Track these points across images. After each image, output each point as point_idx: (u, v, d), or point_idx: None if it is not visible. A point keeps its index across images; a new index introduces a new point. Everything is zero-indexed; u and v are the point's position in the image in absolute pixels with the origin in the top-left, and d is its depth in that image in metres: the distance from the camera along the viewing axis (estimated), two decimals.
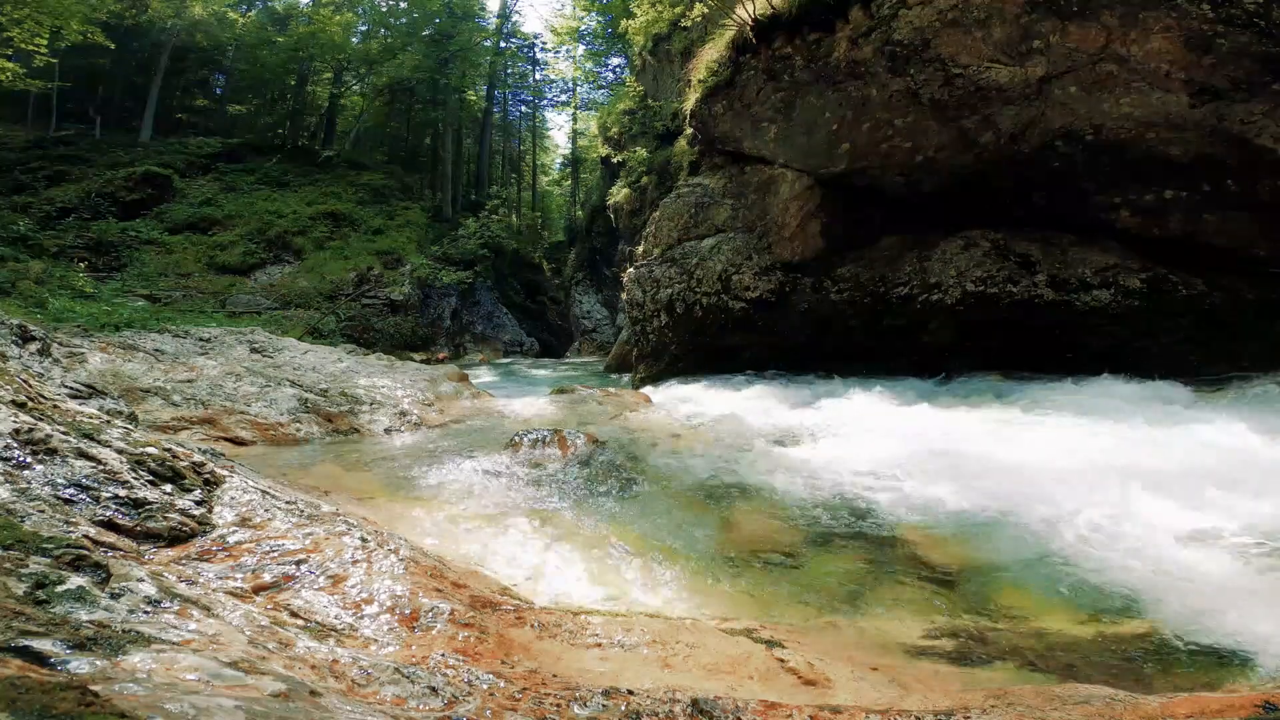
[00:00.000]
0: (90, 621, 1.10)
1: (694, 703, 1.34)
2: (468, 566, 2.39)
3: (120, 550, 1.55)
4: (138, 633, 1.12)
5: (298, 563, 1.78)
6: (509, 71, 35.68)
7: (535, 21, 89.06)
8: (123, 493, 1.75)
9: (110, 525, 1.64)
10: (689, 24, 12.24)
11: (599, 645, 1.77)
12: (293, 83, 28.03)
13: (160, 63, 23.94)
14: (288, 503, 2.18)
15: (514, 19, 34.44)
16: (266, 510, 2.05)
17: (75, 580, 1.20)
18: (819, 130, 8.27)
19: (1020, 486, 3.49)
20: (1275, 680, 1.87)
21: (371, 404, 6.01)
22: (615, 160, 18.80)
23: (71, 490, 1.66)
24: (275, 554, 1.80)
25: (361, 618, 1.63)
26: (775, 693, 1.59)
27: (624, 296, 11.61)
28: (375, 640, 1.55)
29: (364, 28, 27.95)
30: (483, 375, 13.73)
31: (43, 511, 1.49)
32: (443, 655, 1.48)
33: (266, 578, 1.68)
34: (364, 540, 1.99)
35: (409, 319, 18.44)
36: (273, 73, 27.38)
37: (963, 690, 1.77)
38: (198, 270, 17.23)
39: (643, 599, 2.45)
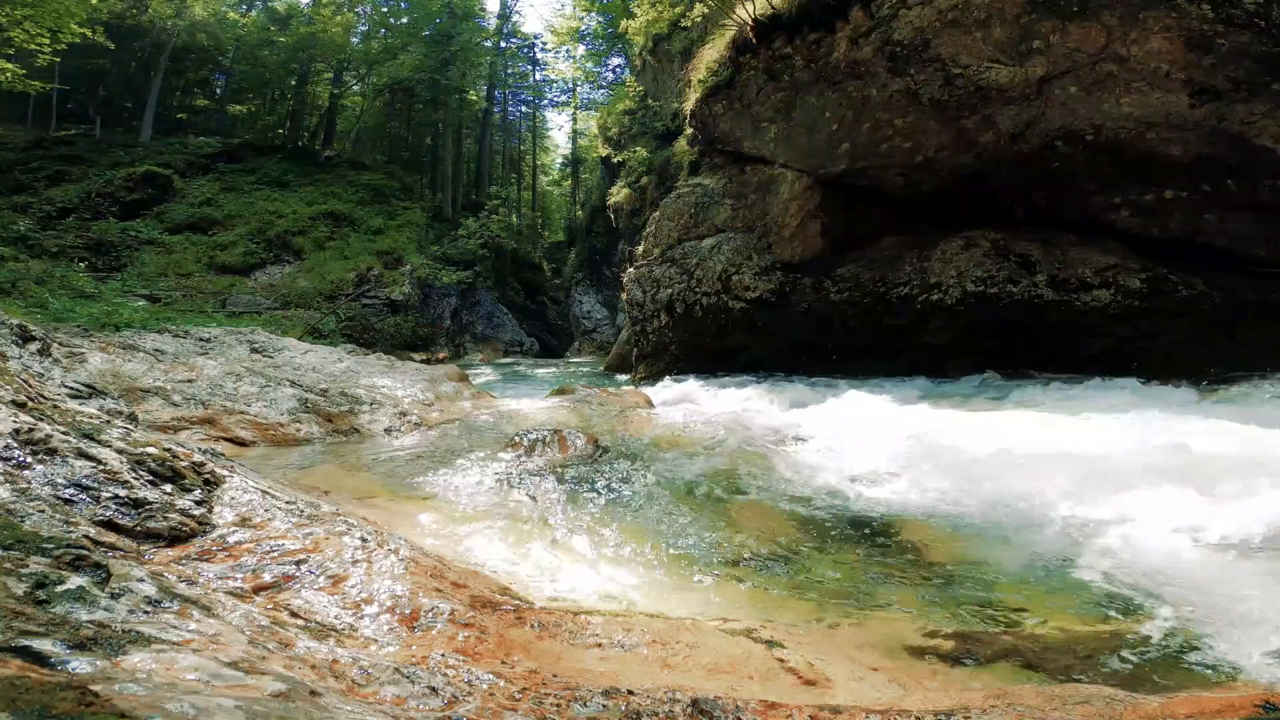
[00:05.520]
0: (90, 621, 1.10)
1: (694, 703, 1.34)
2: (468, 566, 2.39)
3: (120, 550, 1.55)
4: (138, 633, 1.12)
5: (298, 563, 1.78)
6: (509, 71, 35.73)
7: (535, 21, 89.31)
8: (123, 493, 1.75)
9: (110, 525, 1.64)
10: (689, 24, 12.25)
11: (599, 645, 1.77)
12: (293, 83, 28.03)
13: (160, 63, 23.95)
14: (288, 503, 2.18)
15: (514, 19, 34.52)
16: (266, 510, 2.05)
17: (75, 580, 1.20)
18: (819, 130, 8.27)
19: (1020, 486, 3.49)
20: (1275, 680, 1.87)
21: (372, 404, 6.00)
22: (615, 160, 18.81)
23: (71, 490, 1.66)
24: (275, 554, 1.80)
25: (361, 618, 1.63)
26: (775, 693, 1.59)
27: (624, 296, 11.61)
28: (375, 640, 1.55)
29: (364, 28, 27.94)
30: (483, 375, 13.73)
31: (43, 511, 1.49)
32: (443, 655, 1.48)
33: (266, 578, 1.68)
34: (364, 540, 1.99)
35: (409, 319, 18.45)
36: (273, 73, 27.38)
37: (963, 690, 1.77)
38: (198, 270, 17.24)
39: (643, 599, 2.45)
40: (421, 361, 11.42)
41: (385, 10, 28.77)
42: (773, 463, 4.33)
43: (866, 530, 3.22)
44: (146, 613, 1.23)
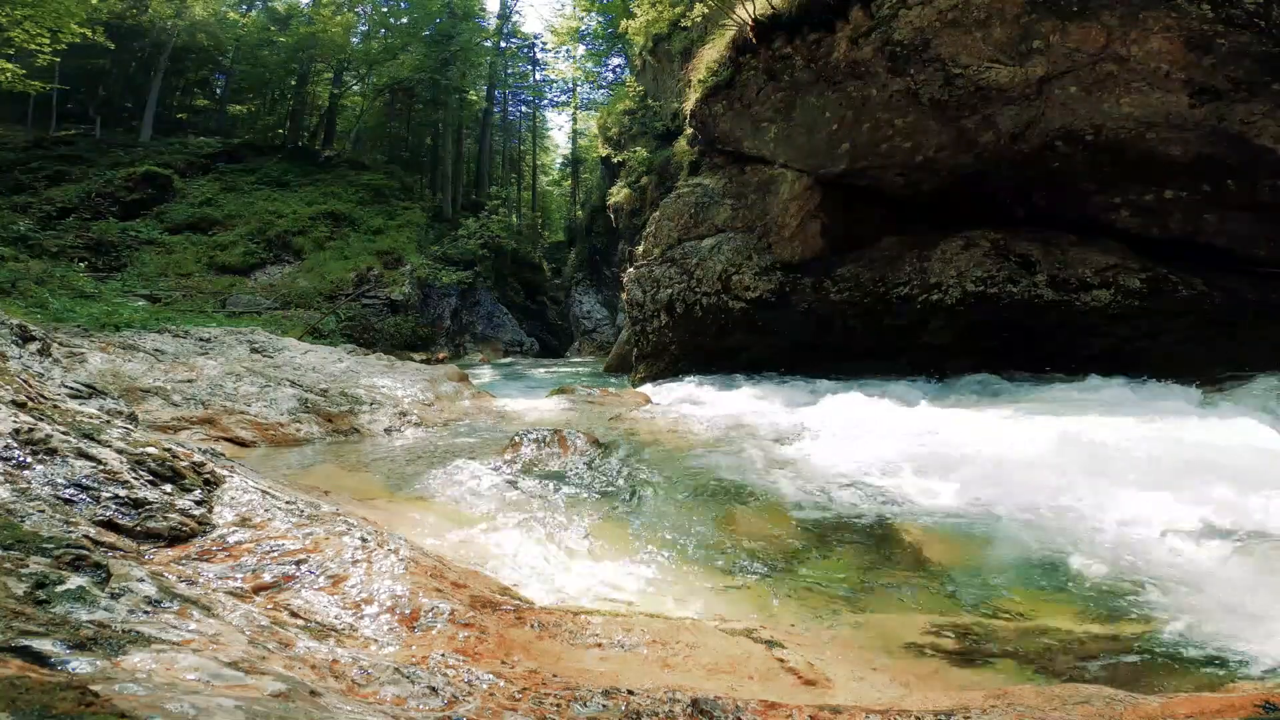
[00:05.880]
0: (90, 621, 1.10)
1: (694, 703, 1.34)
2: (468, 566, 2.39)
3: (120, 550, 1.55)
4: (138, 633, 1.12)
5: (298, 563, 1.78)
6: (509, 71, 35.73)
7: (535, 21, 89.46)
8: (123, 493, 1.75)
9: (110, 525, 1.64)
10: (689, 24, 12.25)
11: (599, 645, 1.77)
12: (293, 83, 28.03)
13: (160, 63, 23.95)
14: (288, 502, 2.18)
15: (514, 19, 34.51)
16: (266, 510, 2.05)
17: (75, 580, 1.20)
18: (819, 130, 8.27)
19: (1021, 485, 3.49)
20: (1275, 680, 1.87)
21: (371, 404, 6.01)
22: (615, 160, 18.80)
23: (71, 490, 1.66)
24: (275, 554, 1.80)
25: (361, 618, 1.63)
26: (775, 693, 1.59)
27: (624, 296, 11.61)
28: (375, 640, 1.55)
29: (364, 28, 27.94)
30: (483, 375, 13.74)
31: (43, 511, 1.49)
32: (443, 655, 1.48)
33: (266, 578, 1.68)
34: (364, 540, 1.99)
35: (409, 319, 18.45)
36: (273, 73, 27.38)
37: (963, 690, 1.77)
38: (198, 270, 17.23)
39: (643, 599, 2.45)
40: (421, 361, 11.42)
41: (385, 10, 28.78)
42: (772, 463, 4.33)
43: (866, 530, 3.22)
44: (146, 613, 1.23)
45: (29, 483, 1.59)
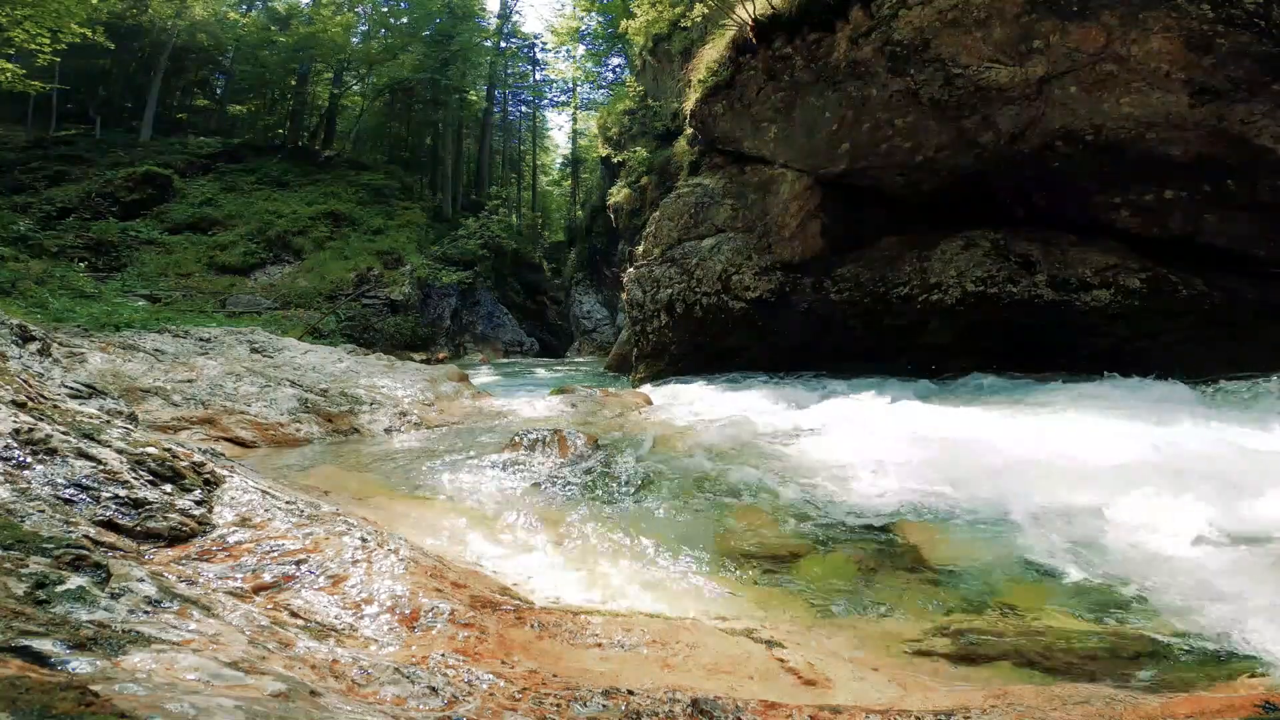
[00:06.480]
0: (90, 621, 1.10)
1: (694, 703, 1.34)
2: (468, 566, 2.39)
3: (120, 550, 1.55)
4: (138, 633, 1.12)
5: (298, 563, 1.78)
6: (509, 71, 35.75)
7: (535, 21, 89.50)
8: (123, 493, 1.75)
9: (110, 525, 1.64)
10: (689, 24, 12.25)
11: (599, 645, 1.77)
12: (293, 83, 28.01)
13: (160, 63, 23.95)
14: (288, 502, 2.18)
15: (514, 19, 34.54)
16: (266, 510, 2.05)
17: (75, 580, 1.20)
18: (819, 130, 8.27)
19: (1021, 486, 3.49)
20: (1275, 680, 1.87)
21: (371, 404, 6.01)
22: (615, 160, 18.81)
23: (71, 490, 1.66)
24: (275, 554, 1.80)
25: (361, 618, 1.63)
26: (775, 693, 1.59)
27: (624, 296, 11.61)
28: (375, 640, 1.55)
29: (364, 28, 27.94)
30: (483, 375, 13.73)
31: (43, 511, 1.49)
32: (443, 655, 1.48)
33: (266, 578, 1.68)
34: (364, 540, 1.99)
35: (409, 319, 18.44)
36: (273, 73, 27.36)
37: (963, 690, 1.77)
38: (198, 270, 17.23)
39: (642, 599, 2.45)
40: (421, 361, 11.42)
41: (385, 10, 28.77)
42: (772, 463, 4.33)
43: (866, 531, 3.22)
44: (146, 613, 1.23)
45: (29, 483, 1.59)
